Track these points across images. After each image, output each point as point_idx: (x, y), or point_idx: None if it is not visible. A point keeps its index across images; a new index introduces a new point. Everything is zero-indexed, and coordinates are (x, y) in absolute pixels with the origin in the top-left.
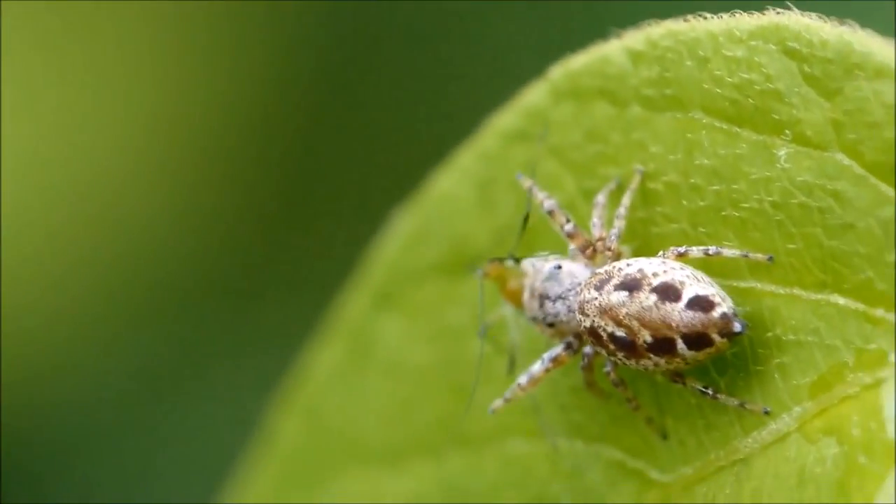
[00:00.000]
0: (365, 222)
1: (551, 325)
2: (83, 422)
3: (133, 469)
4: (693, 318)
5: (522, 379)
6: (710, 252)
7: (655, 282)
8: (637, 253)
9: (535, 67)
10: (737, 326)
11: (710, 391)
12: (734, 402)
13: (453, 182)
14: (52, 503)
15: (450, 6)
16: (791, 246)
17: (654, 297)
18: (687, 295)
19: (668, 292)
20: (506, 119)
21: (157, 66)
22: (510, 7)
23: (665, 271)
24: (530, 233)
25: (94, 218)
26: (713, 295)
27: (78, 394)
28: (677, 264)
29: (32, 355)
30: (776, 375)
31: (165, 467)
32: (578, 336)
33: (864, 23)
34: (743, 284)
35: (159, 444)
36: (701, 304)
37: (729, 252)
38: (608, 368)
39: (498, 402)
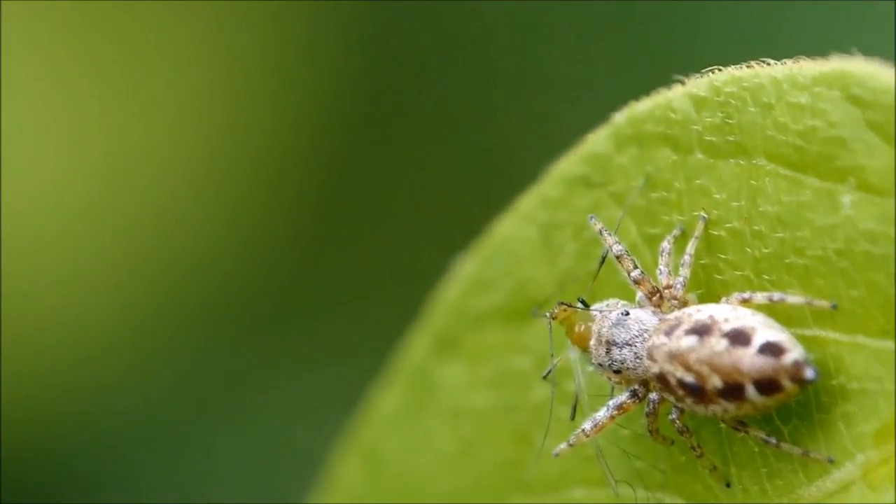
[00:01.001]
0: (408, 243)
1: (617, 371)
2: (123, 437)
3: (171, 483)
4: (764, 363)
5: (587, 425)
6: (774, 298)
7: (726, 327)
8: (701, 300)
9: (595, 114)
10: (809, 373)
11: (773, 440)
12: (798, 450)
13: (516, 227)
14: None
15: (506, 49)
16: (855, 293)
17: (724, 343)
18: (758, 340)
19: (739, 337)
20: (568, 165)
21: (204, 86)
22: (571, 50)
23: (736, 317)
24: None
25: (141, 235)
26: (784, 341)
27: (118, 406)
28: (748, 310)
29: (74, 369)
30: (840, 424)
31: (207, 483)
32: (644, 383)
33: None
34: (807, 332)
35: (202, 461)
36: (772, 349)
37: (793, 299)
38: (673, 416)
39: (562, 446)
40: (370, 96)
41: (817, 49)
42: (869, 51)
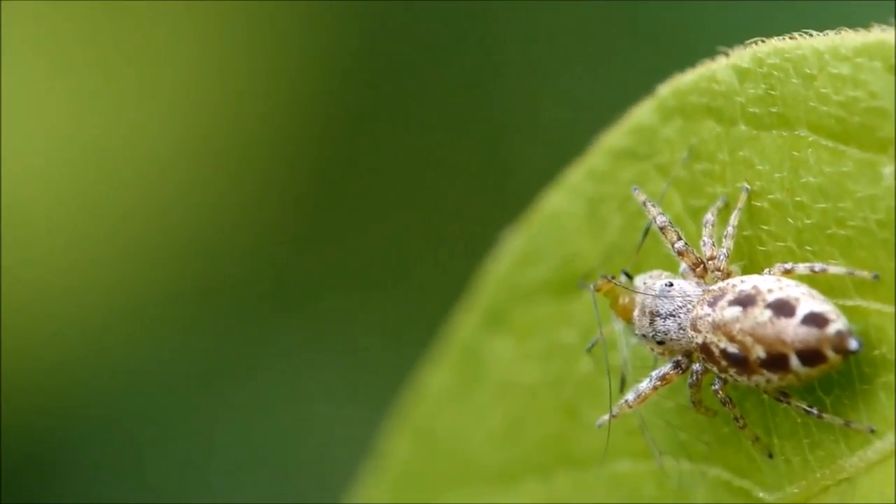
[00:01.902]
0: (413, 224)
1: (661, 342)
2: (121, 418)
3: (170, 467)
4: (808, 333)
5: (630, 396)
6: (816, 269)
7: (770, 298)
8: (744, 271)
9: (593, 108)
10: (853, 344)
11: (815, 410)
12: (839, 421)
13: (563, 200)
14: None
15: (504, 45)
16: None
17: (768, 313)
18: (802, 311)
19: (783, 308)
20: (614, 137)
21: (197, 78)
22: (574, 47)
23: (780, 288)
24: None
25: (137, 216)
26: (828, 311)
27: (116, 384)
28: (792, 281)
29: (67, 344)
30: (881, 394)
31: (206, 466)
32: (687, 354)
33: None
34: (849, 303)
35: (199, 444)
36: (816, 320)
37: (834, 269)
38: (716, 386)
39: (605, 417)
40: (362, 91)
41: None
42: None
